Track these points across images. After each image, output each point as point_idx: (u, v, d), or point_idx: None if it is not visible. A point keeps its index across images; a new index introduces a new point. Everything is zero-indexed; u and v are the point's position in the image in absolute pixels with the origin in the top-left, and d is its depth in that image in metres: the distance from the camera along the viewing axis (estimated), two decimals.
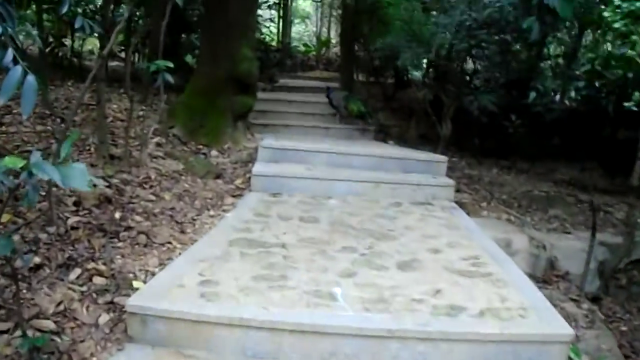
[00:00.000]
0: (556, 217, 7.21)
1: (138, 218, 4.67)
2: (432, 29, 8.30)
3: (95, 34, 5.48)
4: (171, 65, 5.41)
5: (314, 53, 18.89)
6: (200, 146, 7.16)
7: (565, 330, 3.16)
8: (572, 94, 9.82)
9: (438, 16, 8.47)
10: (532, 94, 8.11)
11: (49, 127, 6.04)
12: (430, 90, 9.14)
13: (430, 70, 9.72)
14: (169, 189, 5.53)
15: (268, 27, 17.23)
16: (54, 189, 4.24)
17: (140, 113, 7.54)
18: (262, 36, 17.33)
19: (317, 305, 3.27)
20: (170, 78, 5.47)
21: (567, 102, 10.13)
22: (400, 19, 9.31)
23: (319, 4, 21.10)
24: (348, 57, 11.15)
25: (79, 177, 2.19)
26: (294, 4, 21.22)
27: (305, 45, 19.94)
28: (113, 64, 11.04)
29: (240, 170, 6.61)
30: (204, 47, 7.72)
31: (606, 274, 6.08)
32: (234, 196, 5.86)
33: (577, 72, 8.55)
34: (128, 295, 3.40)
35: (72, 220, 4.24)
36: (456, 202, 6.32)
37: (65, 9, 3.58)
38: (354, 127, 9.34)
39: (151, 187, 5.43)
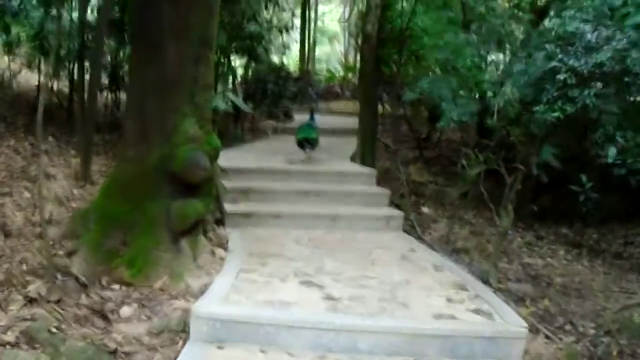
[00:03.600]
0: None
1: None
2: (491, 77, 5.11)
3: None
4: None
5: (339, 81, 15.81)
6: (114, 289, 4.12)
7: None
8: None
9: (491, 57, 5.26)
10: (612, 150, 4.66)
11: None
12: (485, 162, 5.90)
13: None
14: None
15: (283, 55, 14.17)
16: None
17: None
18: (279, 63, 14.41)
19: None
20: None
21: None
22: (441, 57, 6.11)
23: (345, 23, 17.93)
24: (368, 102, 7.94)
25: None
26: (318, 24, 18.15)
27: (329, 71, 16.85)
28: None
29: (159, 357, 3.50)
30: (130, 119, 4.64)
31: None
32: None
33: None
34: None
35: None
36: None
37: None
38: (371, 215, 6.19)
39: None
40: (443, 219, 7.85)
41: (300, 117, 13.11)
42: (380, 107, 9.25)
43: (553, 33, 4.28)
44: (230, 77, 13.34)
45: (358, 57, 17.12)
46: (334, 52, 20.53)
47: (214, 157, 4.58)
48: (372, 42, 7.50)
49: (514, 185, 5.56)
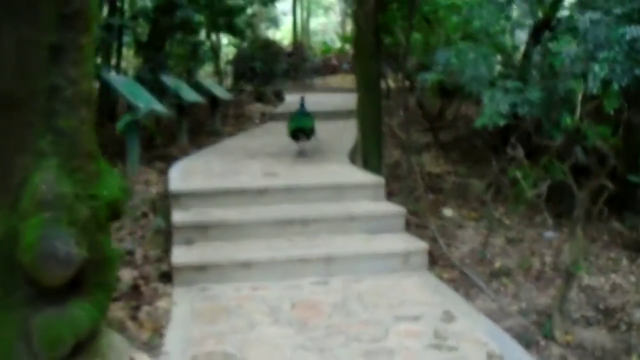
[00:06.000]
0: None
1: None
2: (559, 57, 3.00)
3: None
4: None
5: (335, 53, 13.58)
6: None
7: None
8: None
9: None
10: None
11: None
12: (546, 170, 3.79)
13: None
14: None
15: (269, 29, 12.00)
16: None
17: None
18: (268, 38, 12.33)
19: None
20: None
21: None
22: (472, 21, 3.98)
23: None
24: (368, 83, 5.79)
25: None
26: None
27: (324, 43, 14.61)
28: None
29: None
30: None
31: None
32: None
33: None
34: None
35: None
36: None
37: None
38: (382, 251, 4.14)
39: None
40: (470, 222, 5.92)
41: (293, 98, 11.04)
42: (382, 82, 7.14)
43: None
44: (214, 58, 11.24)
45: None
46: (330, 24, 18.19)
47: (108, 218, 2.51)
48: (370, 5, 5.32)
49: (583, 203, 3.54)
